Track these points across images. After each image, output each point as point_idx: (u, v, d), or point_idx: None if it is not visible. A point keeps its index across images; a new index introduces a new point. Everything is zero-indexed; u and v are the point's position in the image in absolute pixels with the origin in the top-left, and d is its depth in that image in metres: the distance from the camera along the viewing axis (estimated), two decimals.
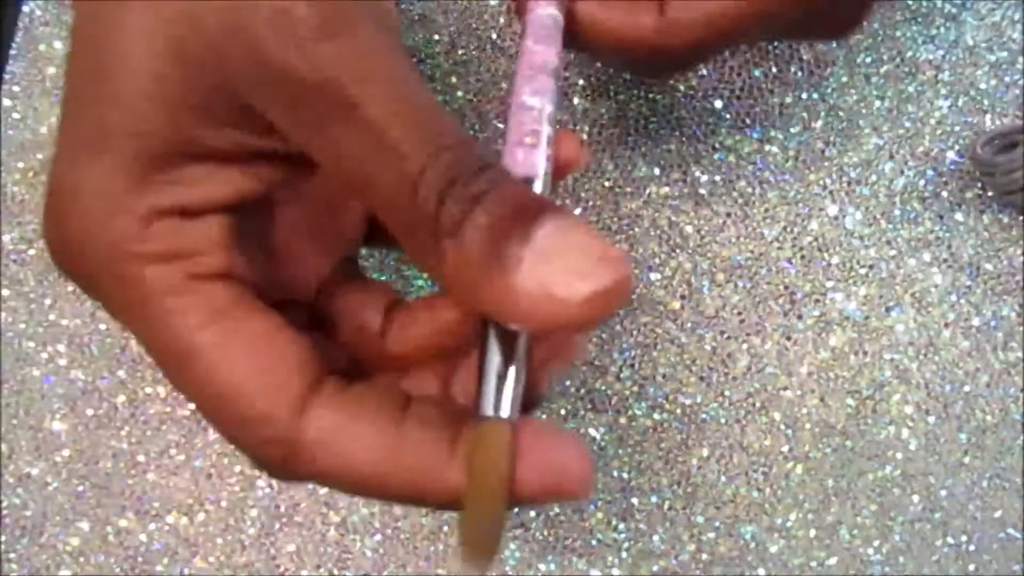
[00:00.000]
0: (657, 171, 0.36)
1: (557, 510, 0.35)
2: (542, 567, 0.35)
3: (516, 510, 0.34)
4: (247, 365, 0.19)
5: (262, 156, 0.20)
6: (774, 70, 0.35)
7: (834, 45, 0.35)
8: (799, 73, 0.35)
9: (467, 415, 0.20)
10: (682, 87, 0.36)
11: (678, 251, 0.35)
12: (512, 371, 0.19)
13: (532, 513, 0.35)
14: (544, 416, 0.35)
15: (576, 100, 0.36)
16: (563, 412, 0.35)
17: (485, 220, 0.17)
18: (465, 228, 0.17)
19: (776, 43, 0.35)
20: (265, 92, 0.19)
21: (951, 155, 0.35)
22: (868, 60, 0.35)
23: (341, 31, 0.18)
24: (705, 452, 0.35)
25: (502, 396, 0.19)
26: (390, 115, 0.18)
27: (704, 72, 0.36)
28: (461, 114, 0.35)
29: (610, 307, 0.17)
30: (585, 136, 0.36)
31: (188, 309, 0.19)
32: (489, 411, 0.19)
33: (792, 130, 0.35)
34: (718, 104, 0.35)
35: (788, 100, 0.35)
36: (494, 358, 0.19)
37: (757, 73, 0.35)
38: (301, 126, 0.19)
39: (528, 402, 0.21)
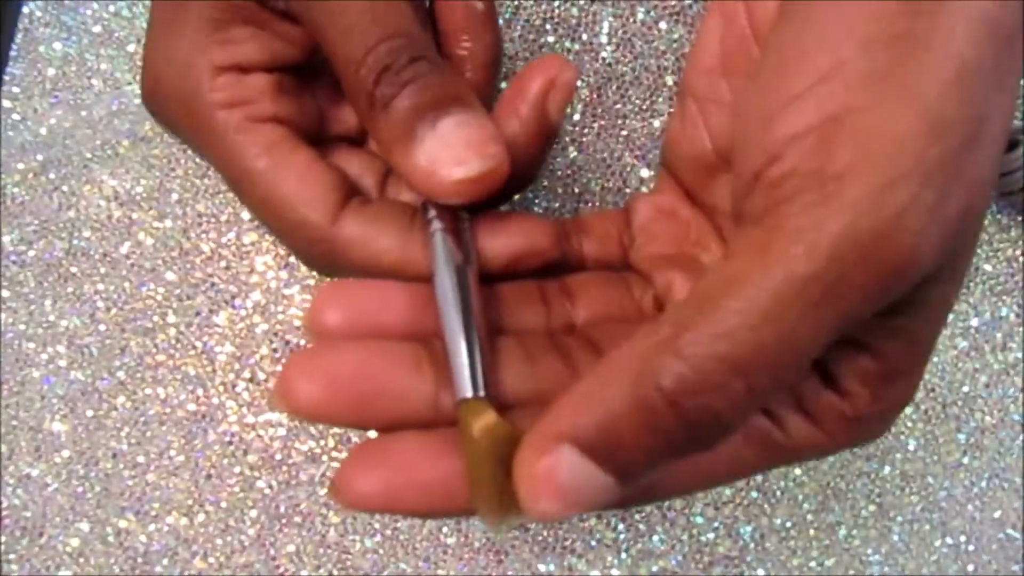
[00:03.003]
0: (657, 171, 0.36)
1: None
2: (542, 567, 0.35)
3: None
4: (293, 184, 0.25)
5: (291, 22, 0.26)
6: None
7: None
8: None
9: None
10: None
11: None
12: (474, 353, 0.22)
13: None
14: None
15: (575, 101, 0.36)
16: None
17: (407, 103, 0.23)
18: (392, 105, 0.23)
19: None
20: None
21: None
22: None
23: None
24: None
25: (475, 376, 0.22)
26: (347, 3, 0.23)
27: None
28: None
29: (480, 190, 0.23)
30: (584, 139, 0.36)
31: (248, 143, 0.25)
32: (467, 392, 0.22)
33: None
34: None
35: None
36: (459, 347, 0.22)
37: None
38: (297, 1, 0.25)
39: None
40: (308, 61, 0.27)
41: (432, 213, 0.25)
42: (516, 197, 0.35)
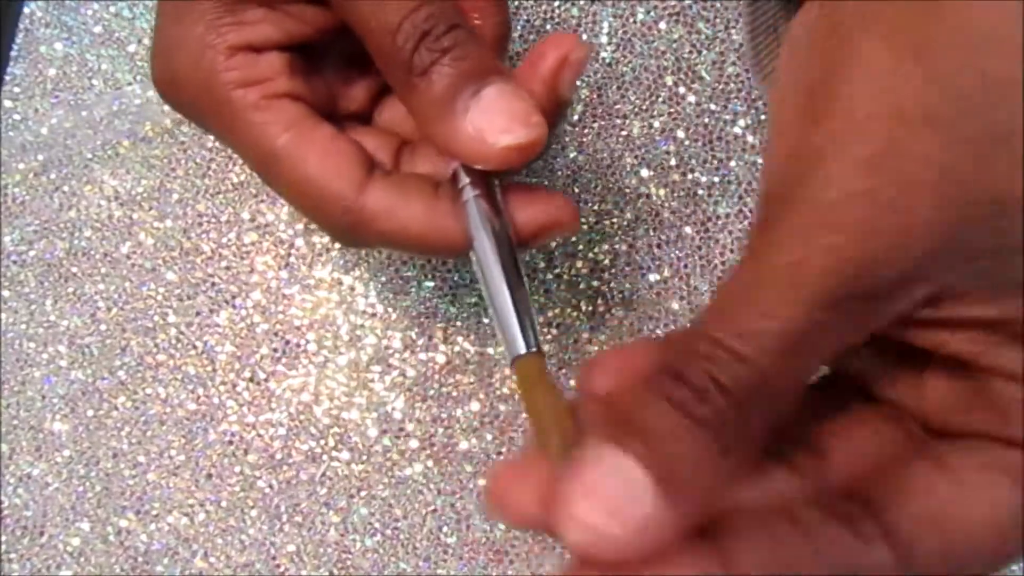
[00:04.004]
0: (657, 171, 0.36)
1: None
2: (542, 568, 0.35)
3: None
4: (318, 160, 0.25)
5: (303, 2, 0.26)
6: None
7: None
8: None
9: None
10: (682, 90, 0.36)
11: (678, 251, 0.35)
12: (522, 310, 0.24)
13: None
14: None
15: (575, 102, 0.36)
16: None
17: (448, 70, 0.23)
18: (432, 72, 0.23)
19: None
20: None
21: None
22: None
23: None
24: None
25: (526, 332, 0.23)
26: None
27: (705, 76, 0.36)
28: None
29: (524, 157, 0.23)
30: (584, 139, 0.36)
31: (268, 121, 0.25)
32: (521, 349, 0.23)
33: None
34: (714, 107, 0.36)
35: None
36: (507, 307, 0.24)
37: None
38: None
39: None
40: (319, 40, 0.27)
41: (465, 180, 0.25)
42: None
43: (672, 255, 0.35)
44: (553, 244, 0.35)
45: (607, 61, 0.36)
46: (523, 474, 0.20)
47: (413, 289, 0.36)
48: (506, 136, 0.23)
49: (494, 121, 0.23)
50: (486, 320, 0.35)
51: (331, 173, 0.25)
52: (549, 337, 0.35)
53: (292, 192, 0.26)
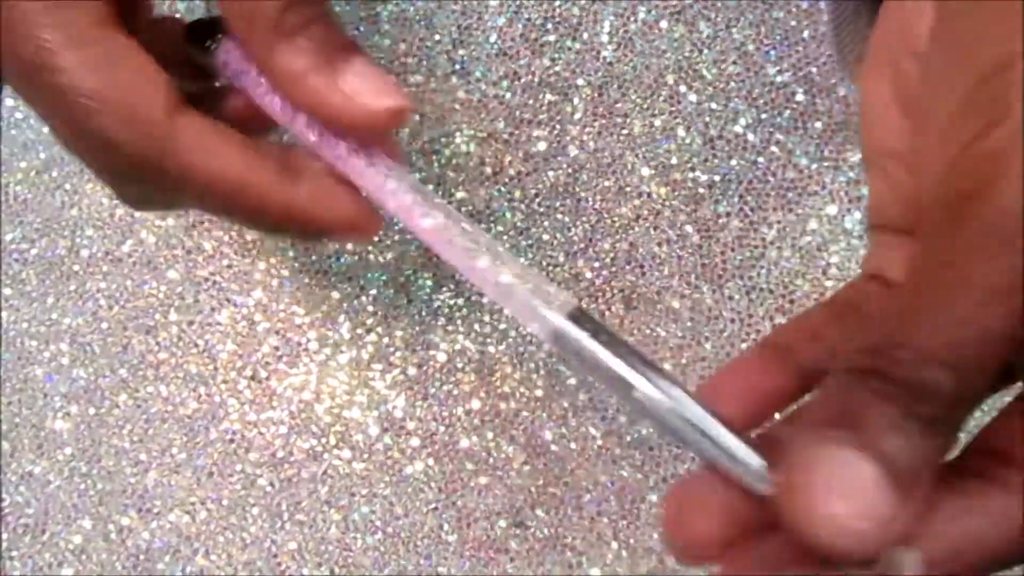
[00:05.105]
0: (657, 169, 0.36)
1: (557, 509, 0.35)
2: (542, 567, 0.35)
3: (519, 514, 0.34)
4: (121, 73, 0.22)
5: None
6: (773, 72, 0.36)
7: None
8: (800, 73, 0.35)
9: (309, 156, 0.24)
10: (683, 89, 0.36)
11: (679, 250, 0.35)
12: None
13: (532, 512, 0.35)
14: (545, 414, 0.35)
15: (576, 100, 0.36)
16: (563, 411, 0.35)
17: (320, 32, 0.23)
18: (302, 34, 0.22)
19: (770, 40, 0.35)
20: None
21: None
22: None
23: None
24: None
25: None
26: None
27: (706, 75, 0.36)
28: (462, 113, 0.36)
29: (396, 122, 0.23)
30: (585, 138, 0.36)
31: (57, 23, 0.22)
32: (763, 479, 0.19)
33: (792, 130, 0.36)
34: (715, 106, 0.36)
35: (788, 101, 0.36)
36: (724, 438, 0.20)
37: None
38: None
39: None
40: None
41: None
42: (517, 194, 0.35)
43: (672, 255, 0.35)
44: (553, 242, 0.36)
45: (608, 60, 0.36)
46: (705, 495, 0.19)
47: (414, 287, 0.36)
48: (383, 98, 0.23)
49: (369, 84, 0.23)
50: (486, 319, 0.35)
51: (136, 88, 0.22)
52: None
53: (88, 109, 0.22)
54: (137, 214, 0.36)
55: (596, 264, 0.35)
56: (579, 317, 0.22)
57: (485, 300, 0.35)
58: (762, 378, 0.23)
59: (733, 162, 0.35)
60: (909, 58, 0.24)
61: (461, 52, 0.35)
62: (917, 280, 0.18)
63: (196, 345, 0.35)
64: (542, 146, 0.36)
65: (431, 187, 0.36)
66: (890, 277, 0.26)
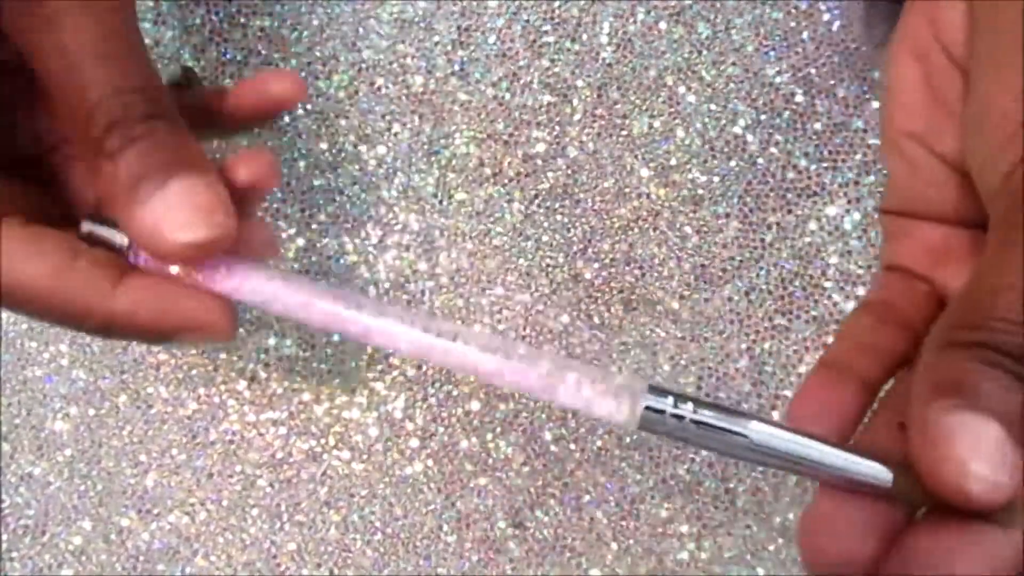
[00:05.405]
0: (656, 171, 0.36)
1: (557, 510, 0.35)
2: (542, 568, 0.35)
3: (518, 514, 0.34)
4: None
5: None
6: (772, 73, 0.36)
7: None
8: (799, 74, 0.35)
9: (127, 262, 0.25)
10: (682, 90, 0.36)
11: (678, 251, 0.35)
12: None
13: (532, 513, 0.35)
14: (544, 415, 0.35)
15: (575, 101, 0.36)
16: (562, 411, 0.35)
17: (134, 159, 0.23)
18: (119, 159, 0.23)
19: (770, 41, 0.35)
20: None
21: None
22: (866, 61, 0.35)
23: None
24: (704, 451, 0.35)
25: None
26: (86, 44, 0.23)
27: (705, 77, 0.36)
28: (462, 114, 0.36)
29: (203, 254, 0.23)
30: (585, 139, 0.36)
31: None
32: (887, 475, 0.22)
33: (791, 131, 0.36)
34: (714, 107, 0.36)
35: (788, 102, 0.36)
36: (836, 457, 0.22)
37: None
38: (24, 30, 0.23)
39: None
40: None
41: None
42: (517, 194, 0.35)
43: (671, 255, 0.35)
44: (552, 243, 0.36)
45: (607, 61, 0.36)
46: (836, 509, 0.22)
47: (414, 287, 0.36)
48: (184, 233, 0.22)
49: (175, 215, 0.22)
50: (486, 319, 0.35)
51: None
52: (549, 336, 0.35)
53: None
54: None
55: (596, 264, 0.35)
56: (659, 391, 0.23)
57: (484, 302, 0.35)
58: (830, 397, 0.25)
59: (732, 163, 0.35)
60: (938, 46, 0.25)
61: (461, 53, 0.35)
62: (1002, 260, 0.20)
63: (195, 345, 0.35)
64: (541, 147, 0.36)
65: (431, 188, 0.36)
66: (909, 267, 0.27)
